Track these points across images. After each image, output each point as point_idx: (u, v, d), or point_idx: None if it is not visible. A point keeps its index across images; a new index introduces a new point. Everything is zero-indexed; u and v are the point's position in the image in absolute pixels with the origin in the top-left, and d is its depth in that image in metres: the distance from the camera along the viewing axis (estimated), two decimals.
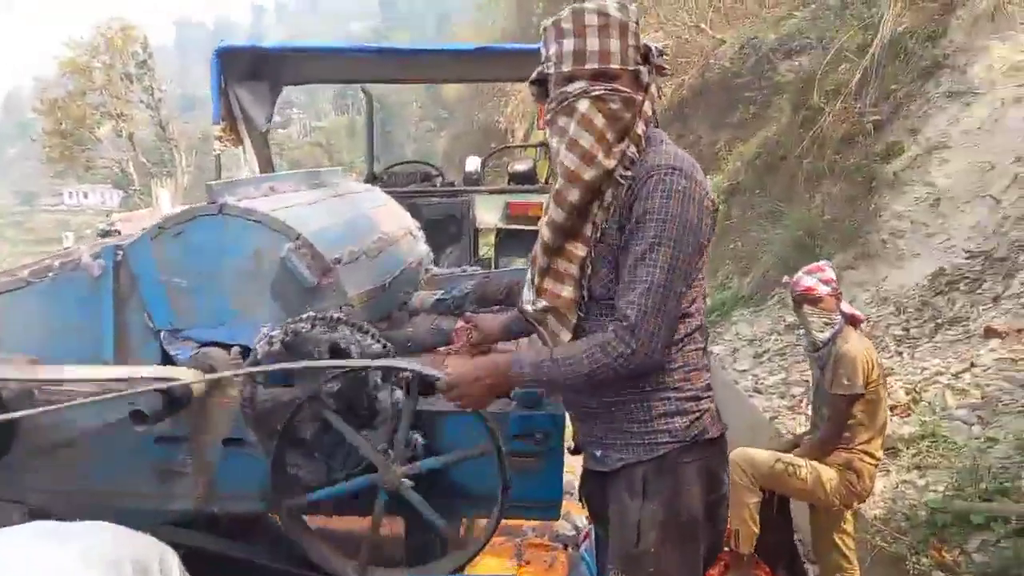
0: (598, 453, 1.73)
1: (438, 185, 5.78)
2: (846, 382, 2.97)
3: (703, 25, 13.67)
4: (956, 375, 4.82)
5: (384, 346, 1.94)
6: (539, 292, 1.71)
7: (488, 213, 5.21)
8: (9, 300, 2.11)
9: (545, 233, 1.67)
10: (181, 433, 2.05)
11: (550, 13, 1.75)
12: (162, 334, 2.09)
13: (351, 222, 2.58)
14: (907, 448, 4.14)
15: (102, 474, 2.06)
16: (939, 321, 5.80)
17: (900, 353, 5.56)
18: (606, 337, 1.56)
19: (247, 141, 4.68)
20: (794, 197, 9.26)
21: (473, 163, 5.94)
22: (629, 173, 1.60)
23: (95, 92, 32.55)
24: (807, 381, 5.86)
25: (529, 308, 1.74)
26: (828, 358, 3.09)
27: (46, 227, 53.82)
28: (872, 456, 3.07)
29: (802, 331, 3.54)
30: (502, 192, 5.37)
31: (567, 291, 1.67)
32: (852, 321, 3.11)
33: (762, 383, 6.02)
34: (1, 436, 2.00)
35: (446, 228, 5.21)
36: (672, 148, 1.64)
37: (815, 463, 3.09)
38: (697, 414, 1.67)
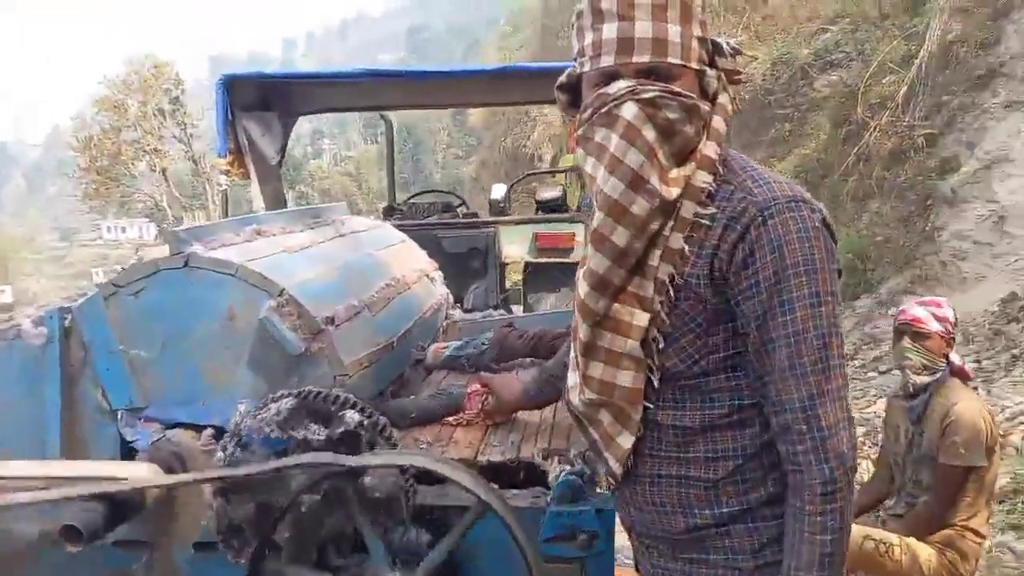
0: None
1: (461, 215, 5.41)
2: (963, 451, 2.48)
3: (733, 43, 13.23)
4: None
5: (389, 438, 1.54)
6: (585, 380, 1.27)
7: (514, 245, 4.81)
8: None
9: (582, 289, 1.23)
10: (141, 538, 1.67)
11: None
12: (119, 415, 1.72)
13: (352, 269, 2.20)
14: (999, 504, 3.63)
15: None
16: (1015, 352, 5.26)
17: (975, 388, 5.04)
18: (798, 483, 1.15)
19: (254, 176, 4.36)
20: (839, 217, 8.74)
21: (499, 191, 5.54)
22: (713, 210, 1.16)
23: (129, 128, 33.11)
24: (868, 420, 5.35)
25: (575, 400, 1.31)
26: (926, 413, 2.61)
27: (85, 262, 54.87)
28: (978, 533, 2.58)
29: (895, 370, 3.04)
30: (529, 222, 4.97)
31: (626, 378, 1.22)
32: (960, 375, 2.64)
33: None
34: None
35: (469, 262, 4.82)
36: (770, 173, 1.21)
37: (911, 541, 2.61)
38: None
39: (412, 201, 5.70)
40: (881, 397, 5.57)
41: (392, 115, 6.01)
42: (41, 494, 1.38)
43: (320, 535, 1.49)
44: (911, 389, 2.68)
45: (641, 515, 1.31)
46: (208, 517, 1.50)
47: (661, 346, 1.20)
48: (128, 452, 1.75)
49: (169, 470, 1.62)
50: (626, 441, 1.26)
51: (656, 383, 1.23)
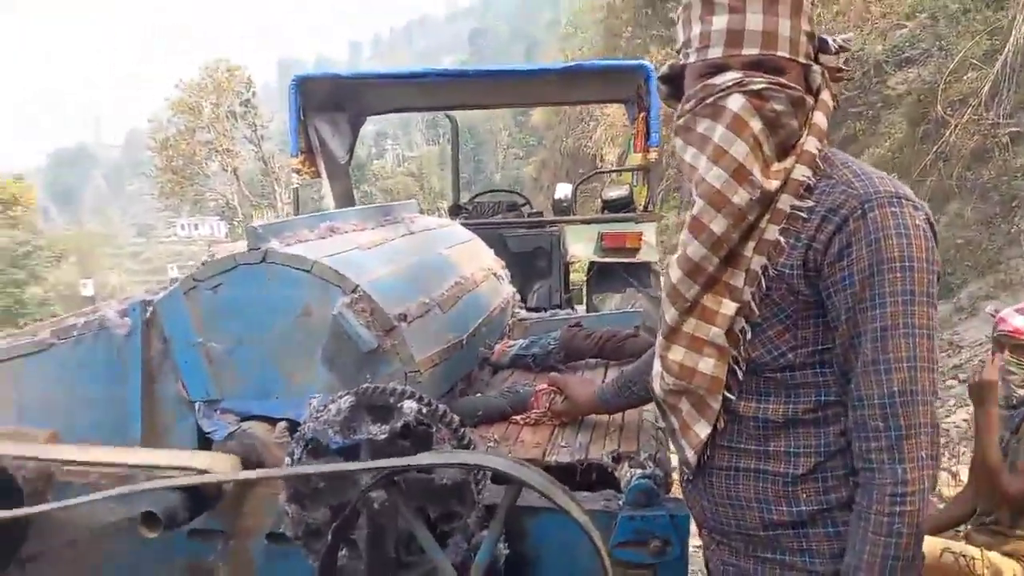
0: None
1: (525, 215, 5.40)
2: None
3: None
4: None
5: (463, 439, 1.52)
6: (664, 364, 1.27)
7: (580, 245, 4.77)
8: (29, 365, 1.83)
9: (675, 274, 1.23)
10: (215, 527, 1.70)
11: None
12: (197, 406, 1.76)
13: (422, 266, 2.21)
14: None
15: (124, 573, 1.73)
16: None
17: None
18: (868, 481, 1.11)
19: (324, 174, 4.44)
20: None
21: (563, 190, 5.51)
22: (810, 203, 1.15)
23: (203, 130, 34.27)
24: (947, 430, 5.12)
25: (657, 387, 1.31)
26: None
27: (161, 257, 57.08)
28: None
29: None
30: (595, 222, 4.92)
31: (707, 365, 1.22)
32: None
33: None
34: (15, 527, 1.71)
35: (534, 262, 4.80)
36: (874, 170, 1.18)
37: (993, 556, 2.48)
38: None
39: (477, 200, 5.72)
40: (961, 406, 5.32)
41: (455, 115, 6.05)
42: (128, 487, 1.42)
43: (396, 530, 1.48)
44: (1013, 400, 2.56)
45: (715, 509, 1.29)
46: (284, 523, 1.51)
47: (748, 336, 1.19)
48: (205, 443, 1.79)
49: (245, 461, 1.65)
50: (703, 430, 1.25)
51: (740, 374, 1.21)
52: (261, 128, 35.91)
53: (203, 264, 1.77)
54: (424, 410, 1.47)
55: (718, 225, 1.17)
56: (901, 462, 1.08)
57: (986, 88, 7.88)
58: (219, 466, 1.56)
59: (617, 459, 1.72)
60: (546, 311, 3.54)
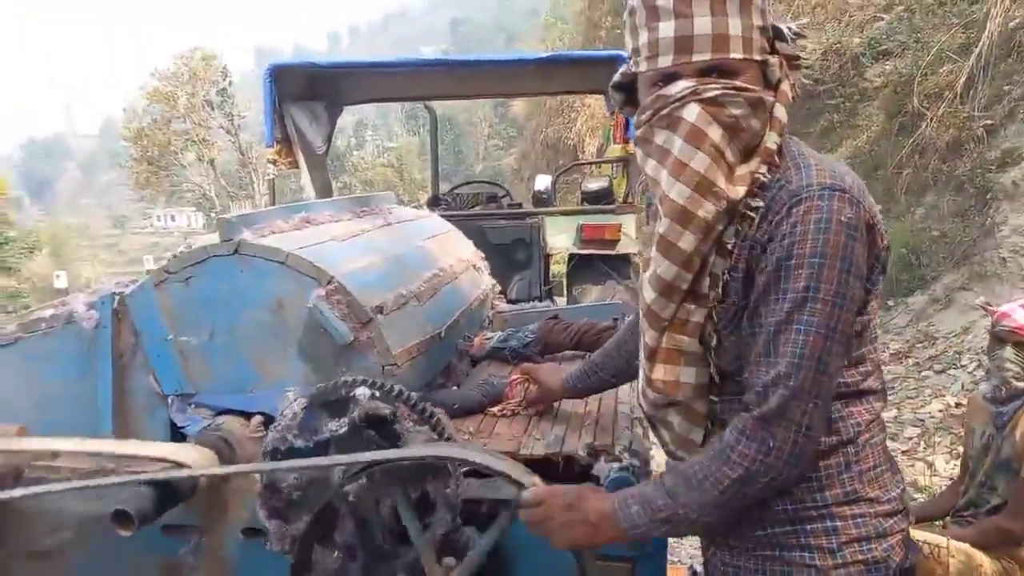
0: None
1: (505, 206, 5.38)
2: None
3: None
4: None
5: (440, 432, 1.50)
6: (650, 383, 1.24)
7: (559, 236, 4.76)
8: None
9: (648, 295, 1.19)
10: (190, 522, 1.67)
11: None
12: (170, 400, 1.72)
13: (400, 258, 2.18)
14: None
15: (95, 571, 1.70)
16: None
17: None
18: (728, 440, 1.10)
19: (303, 164, 4.39)
20: (893, 211, 8.49)
21: (543, 182, 5.50)
22: (759, 202, 1.12)
23: (179, 120, 33.78)
24: (922, 421, 5.19)
25: (644, 405, 1.29)
26: (1012, 422, 2.48)
27: (137, 249, 56.37)
28: None
29: (985, 372, 2.83)
30: (575, 213, 4.92)
31: (688, 375, 1.19)
32: None
33: None
34: None
35: (514, 253, 4.79)
36: (825, 161, 1.15)
37: (962, 545, 2.50)
38: (900, 535, 1.19)
39: (456, 191, 5.69)
40: (936, 397, 5.40)
41: (435, 106, 6.01)
42: (101, 479, 1.39)
43: (380, 520, 1.47)
44: (1003, 394, 2.54)
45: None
46: (269, 540, 1.49)
47: (715, 343, 1.17)
48: (178, 437, 1.76)
49: (218, 455, 1.62)
50: (698, 436, 1.23)
51: (716, 380, 1.20)
52: (238, 118, 35.47)
53: (174, 256, 1.73)
54: (377, 393, 1.45)
55: (686, 242, 1.13)
56: (761, 441, 1.07)
57: (961, 81, 7.96)
58: (192, 458, 1.52)
59: (592, 452, 1.71)
60: (527, 303, 3.53)
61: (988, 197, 6.93)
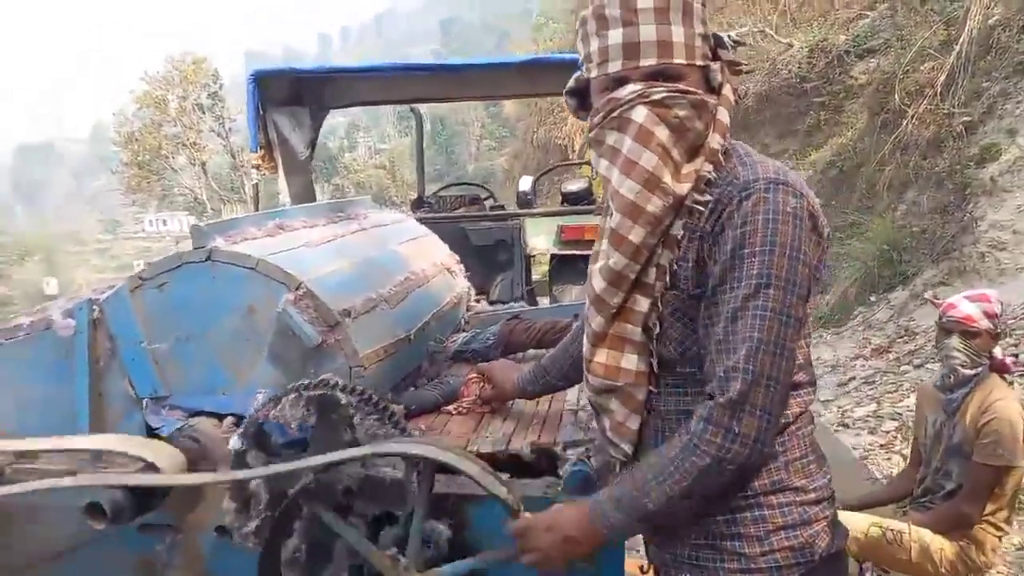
0: None
1: (488, 208, 5.44)
2: (1000, 452, 2.43)
3: (768, 30, 13.02)
4: None
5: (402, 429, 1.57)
6: (589, 368, 1.31)
7: (539, 238, 4.83)
8: None
9: (598, 284, 1.27)
10: (165, 521, 1.73)
11: None
12: (144, 403, 1.78)
13: (372, 262, 2.24)
14: None
15: (70, 570, 1.76)
16: None
17: (1011, 383, 4.92)
18: (695, 430, 1.15)
19: (280, 170, 4.44)
20: (875, 207, 8.59)
21: (526, 183, 5.57)
22: (707, 197, 1.19)
23: (170, 123, 33.66)
24: (900, 415, 5.26)
25: (588, 391, 1.36)
26: (961, 408, 2.56)
27: (129, 254, 56.11)
28: (996, 527, 2.55)
29: (937, 362, 2.90)
30: (555, 214, 4.98)
31: (630, 362, 1.27)
32: (1000, 369, 2.56)
33: (849, 416, 5.44)
34: None
35: (496, 255, 4.86)
36: (769, 160, 1.23)
37: (922, 531, 2.58)
38: (825, 521, 1.25)
39: (440, 194, 5.75)
40: (914, 391, 5.47)
41: (425, 107, 6.07)
42: (77, 479, 1.45)
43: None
44: (952, 381, 2.63)
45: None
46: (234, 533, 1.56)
47: (657, 331, 1.24)
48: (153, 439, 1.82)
49: (189, 454, 1.69)
50: (635, 423, 1.30)
51: (656, 368, 1.27)
52: (229, 121, 35.29)
53: (148, 263, 1.79)
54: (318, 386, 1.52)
55: (636, 235, 1.21)
56: (728, 430, 1.12)
57: (942, 78, 8.05)
58: (164, 456, 1.59)
59: (535, 450, 1.77)
60: (505, 304, 3.59)
61: (967, 193, 7.02)
